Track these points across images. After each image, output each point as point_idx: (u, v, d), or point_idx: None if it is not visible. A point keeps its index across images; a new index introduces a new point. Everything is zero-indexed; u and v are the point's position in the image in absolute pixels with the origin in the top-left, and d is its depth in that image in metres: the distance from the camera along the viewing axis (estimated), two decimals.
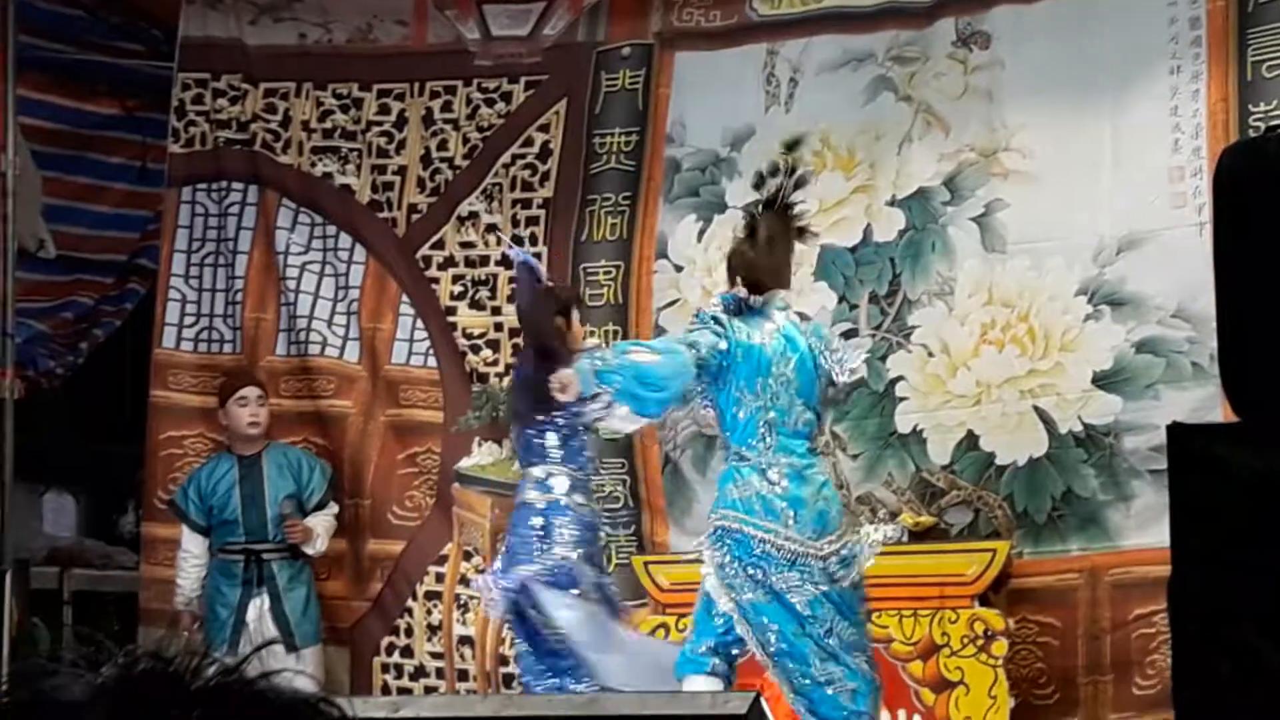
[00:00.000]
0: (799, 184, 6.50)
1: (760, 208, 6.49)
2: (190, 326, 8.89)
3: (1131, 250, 7.63)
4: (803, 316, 7.78)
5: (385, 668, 8.42)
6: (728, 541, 6.21)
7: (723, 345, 6.26)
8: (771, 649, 6.17)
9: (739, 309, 6.36)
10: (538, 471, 6.96)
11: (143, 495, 8.93)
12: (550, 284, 7.24)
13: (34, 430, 8.49)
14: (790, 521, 6.18)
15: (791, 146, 6.86)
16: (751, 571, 6.18)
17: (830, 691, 6.13)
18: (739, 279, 6.42)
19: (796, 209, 6.49)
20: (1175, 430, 3.96)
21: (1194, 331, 7.42)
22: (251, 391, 8.19)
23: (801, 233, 6.54)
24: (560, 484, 6.94)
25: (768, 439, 6.25)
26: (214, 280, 8.92)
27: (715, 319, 6.34)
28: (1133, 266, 7.62)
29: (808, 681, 6.15)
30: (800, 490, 6.22)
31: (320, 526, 8.08)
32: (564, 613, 6.83)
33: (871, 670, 6.25)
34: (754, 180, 6.66)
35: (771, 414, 6.26)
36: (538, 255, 8.41)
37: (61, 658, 1.25)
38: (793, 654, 6.16)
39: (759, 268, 6.40)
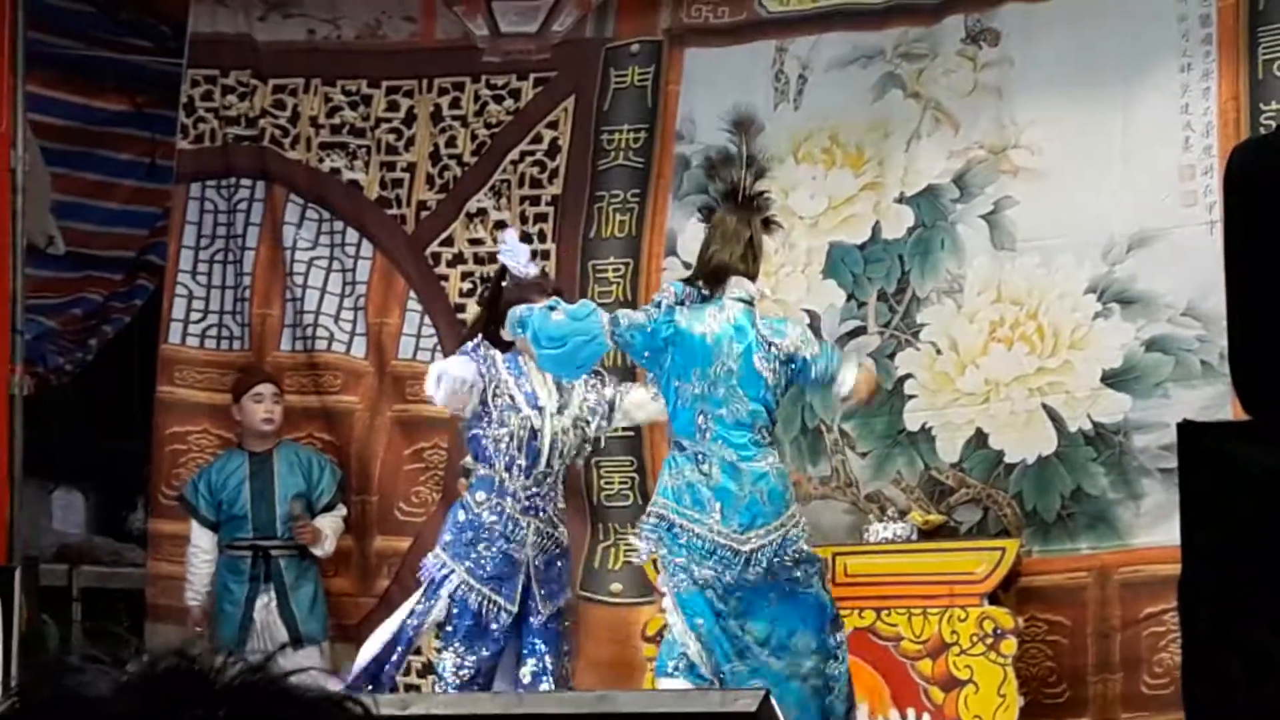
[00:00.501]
0: (759, 174, 6.48)
1: (721, 198, 6.47)
2: (197, 322, 8.89)
3: (1142, 248, 7.61)
4: (811, 314, 7.81)
5: None
6: (660, 530, 6.26)
7: (644, 324, 6.31)
8: (703, 637, 6.21)
9: (695, 298, 6.37)
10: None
11: (150, 491, 8.93)
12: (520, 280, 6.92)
13: (43, 427, 8.49)
14: (715, 513, 6.21)
15: (741, 126, 6.73)
16: (680, 560, 6.22)
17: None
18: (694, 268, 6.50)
19: (759, 201, 6.48)
20: (1185, 428, 3.95)
21: (1204, 330, 7.40)
22: (267, 388, 8.19)
23: (767, 224, 6.52)
24: (472, 480, 6.83)
25: (705, 428, 6.28)
26: (223, 277, 8.92)
27: (657, 304, 6.41)
28: (1143, 264, 7.59)
29: (727, 675, 6.19)
30: (730, 482, 6.24)
31: (329, 528, 8.08)
32: (402, 611, 6.82)
33: (787, 668, 6.23)
34: (704, 165, 6.61)
35: (708, 404, 6.28)
36: (545, 253, 8.41)
37: (85, 653, 1.25)
38: (713, 645, 6.19)
39: (712, 257, 6.40)
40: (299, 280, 8.77)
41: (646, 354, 6.38)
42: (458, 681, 6.62)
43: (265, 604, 7.92)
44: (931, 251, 7.92)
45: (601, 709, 3.86)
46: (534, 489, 6.75)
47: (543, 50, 8.69)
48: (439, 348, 8.58)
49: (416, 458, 8.53)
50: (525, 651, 6.75)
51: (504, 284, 6.93)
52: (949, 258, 7.90)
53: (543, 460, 6.72)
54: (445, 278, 8.65)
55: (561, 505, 6.91)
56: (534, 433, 6.71)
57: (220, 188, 8.95)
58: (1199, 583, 3.72)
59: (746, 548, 6.21)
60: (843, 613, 7.56)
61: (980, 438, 7.73)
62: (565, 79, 8.63)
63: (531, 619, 6.73)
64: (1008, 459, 7.67)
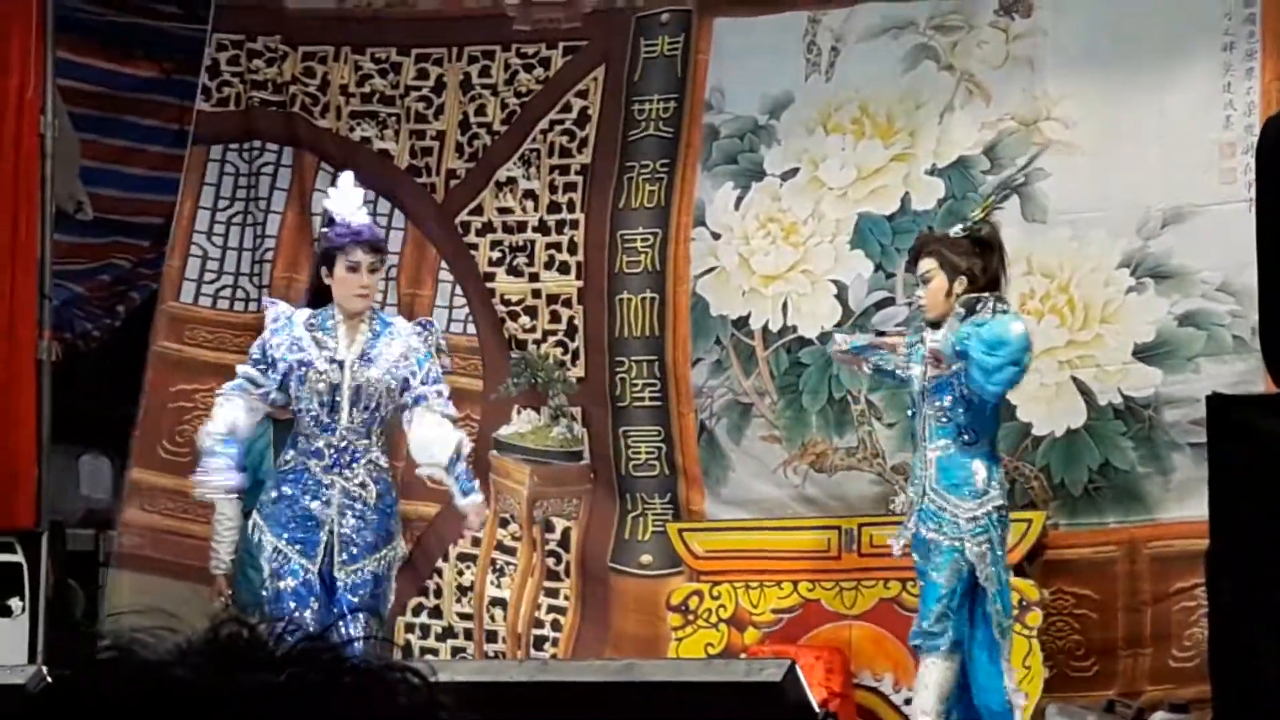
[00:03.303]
0: None
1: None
2: (210, 283, 8.86)
3: (1177, 224, 7.58)
4: (838, 285, 7.83)
5: (409, 628, 8.37)
6: (1000, 522, 6.64)
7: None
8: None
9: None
10: None
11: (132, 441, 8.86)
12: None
13: (71, 393, 8.50)
14: None
15: None
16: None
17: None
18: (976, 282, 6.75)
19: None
20: (1214, 400, 3.94)
21: (1237, 305, 7.37)
22: None
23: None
24: None
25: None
26: (240, 239, 8.89)
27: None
28: (1179, 240, 7.56)
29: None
30: None
31: None
32: None
33: None
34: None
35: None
36: (574, 222, 8.39)
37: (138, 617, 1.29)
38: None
39: (988, 271, 6.74)
40: None
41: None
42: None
43: None
44: (961, 223, 7.88)
45: (626, 677, 3.86)
46: (339, 445, 6.45)
47: (573, 19, 8.66)
48: (470, 318, 8.57)
49: None
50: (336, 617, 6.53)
51: (325, 230, 6.79)
52: None
53: (344, 413, 6.43)
54: (475, 246, 8.63)
55: (381, 462, 6.54)
56: (333, 387, 6.41)
57: (241, 151, 8.93)
58: (1226, 553, 3.70)
59: None
60: (868, 584, 7.58)
61: (1008, 409, 7.69)
62: (595, 48, 8.59)
63: (338, 584, 6.42)
64: (1036, 431, 7.65)
